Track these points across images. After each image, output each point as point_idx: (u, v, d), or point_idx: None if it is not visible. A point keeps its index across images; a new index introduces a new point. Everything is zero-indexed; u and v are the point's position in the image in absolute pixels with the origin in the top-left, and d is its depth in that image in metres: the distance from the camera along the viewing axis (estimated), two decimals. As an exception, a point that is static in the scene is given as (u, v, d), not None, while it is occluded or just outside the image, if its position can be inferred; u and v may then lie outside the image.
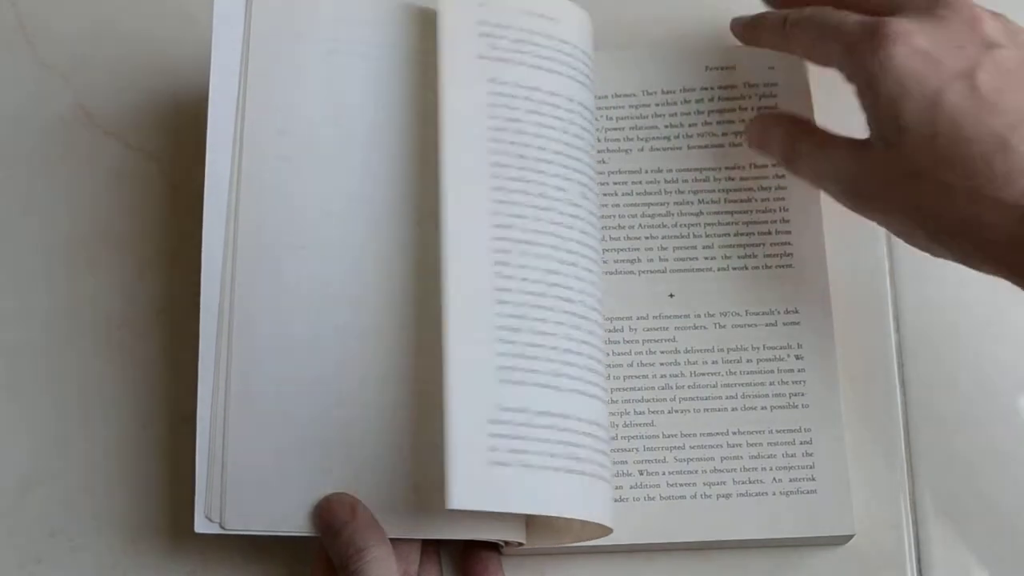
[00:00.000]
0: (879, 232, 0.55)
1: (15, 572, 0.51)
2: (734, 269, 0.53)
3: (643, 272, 0.53)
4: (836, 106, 0.51)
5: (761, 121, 0.52)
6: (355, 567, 0.45)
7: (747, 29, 0.53)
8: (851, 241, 0.55)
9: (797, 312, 0.52)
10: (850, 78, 0.46)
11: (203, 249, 0.49)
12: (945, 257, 0.45)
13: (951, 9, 0.45)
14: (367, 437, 0.48)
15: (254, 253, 0.49)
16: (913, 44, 0.44)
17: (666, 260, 0.53)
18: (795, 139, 0.50)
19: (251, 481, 0.47)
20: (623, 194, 0.54)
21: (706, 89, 0.55)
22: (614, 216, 0.54)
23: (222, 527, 0.47)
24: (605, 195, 0.53)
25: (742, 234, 0.53)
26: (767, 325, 0.52)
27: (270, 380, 0.48)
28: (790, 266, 0.53)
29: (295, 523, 0.47)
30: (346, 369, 0.49)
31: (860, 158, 0.46)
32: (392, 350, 0.49)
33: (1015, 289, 0.54)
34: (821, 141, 0.49)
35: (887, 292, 0.55)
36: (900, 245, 0.55)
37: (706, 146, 0.55)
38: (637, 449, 0.51)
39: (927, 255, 0.54)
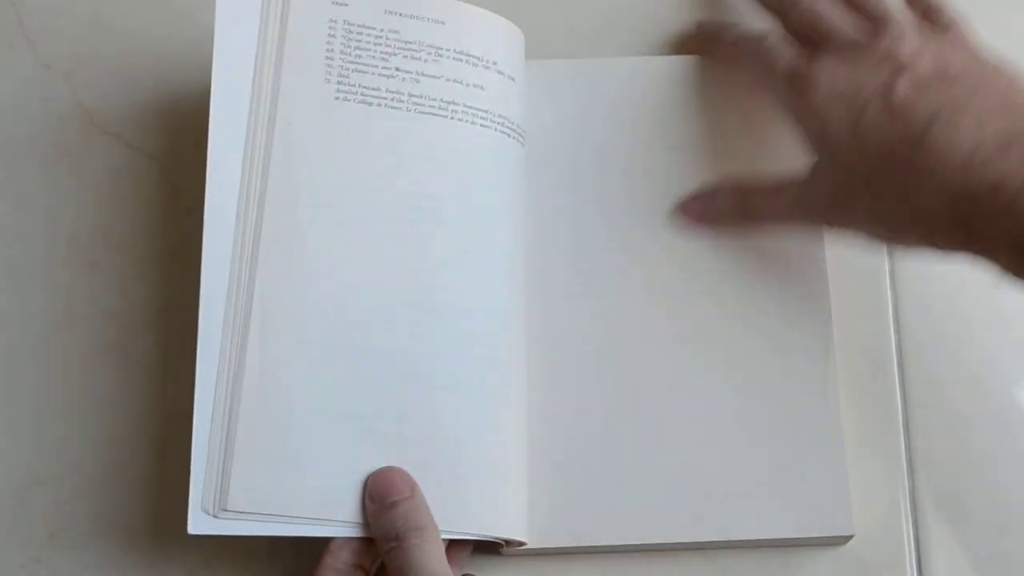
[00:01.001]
0: (879, 232, 0.55)
1: (15, 572, 0.51)
2: (733, 268, 0.53)
3: (641, 275, 0.53)
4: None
5: (699, 198, 0.54)
6: (411, 543, 0.45)
7: (701, 42, 0.57)
8: (851, 241, 0.55)
9: (797, 312, 0.52)
10: (784, 110, 0.51)
11: (206, 204, 0.49)
12: (913, 247, 0.48)
13: (877, 35, 0.49)
14: (384, 420, 0.48)
15: (280, 218, 0.49)
16: (832, 85, 0.49)
17: (665, 262, 0.53)
18: (745, 196, 0.53)
19: (263, 460, 0.47)
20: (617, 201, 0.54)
21: None
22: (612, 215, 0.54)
23: (224, 509, 0.46)
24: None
25: (740, 235, 0.54)
26: (766, 325, 0.52)
27: (292, 349, 0.48)
28: (790, 266, 0.53)
29: (311, 509, 0.47)
30: (374, 348, 0.49)
31: (809, 184, 0.50)
32: (415, 334, 0.49)
33: (1015, 290, 0.54)
34: (772, 186, 0.52)
35: (887, 292, 0.55)
36: (900, 245, 0.55)
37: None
38: (638, 450, 0.51)
39: (927, 256, 0.55)
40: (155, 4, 0.59)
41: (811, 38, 0.51)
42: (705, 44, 0.57)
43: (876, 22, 0.50)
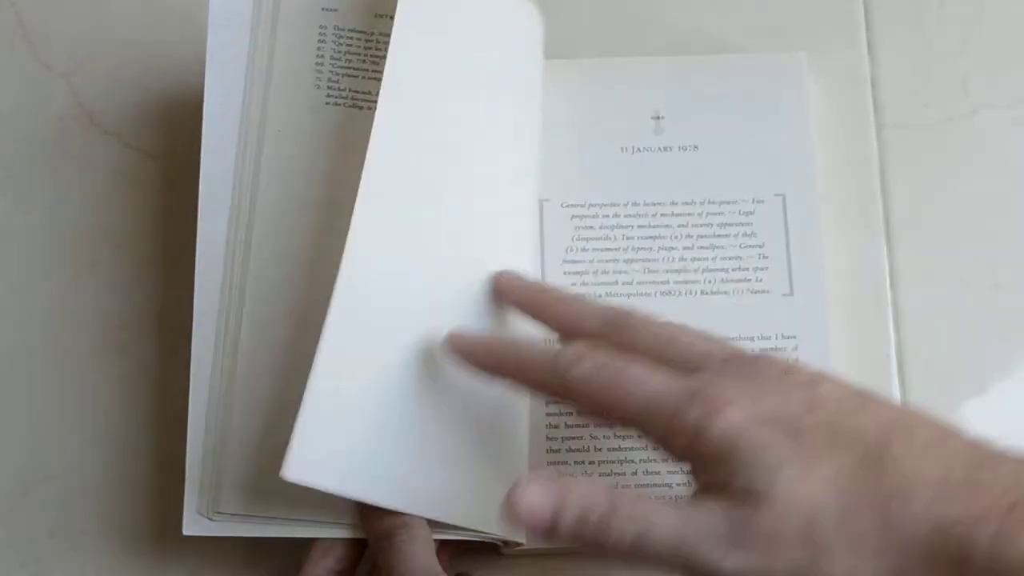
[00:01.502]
0: (879, 232, 0.55)
1: (15, 572, 0.51)
2: (734, 267, 0.53)
3: (652, 279, 0.53)
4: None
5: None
6: (400, 539, 0.45)
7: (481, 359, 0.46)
8: (851, 241, 0.55)
9: (797, 313, 0.52)
10: (675, 451, 0.40)
11: (199, 229, 0.50)
12: None
13: (759, 364, 0.40)
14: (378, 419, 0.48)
15: (271, 223, 0.50)
16: (746, 408, 0.38)
17: (666, 261, 0.54)
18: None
19: (254, 465, 0.47)
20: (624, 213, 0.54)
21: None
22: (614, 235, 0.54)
23: (217, 511, 0.47)
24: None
25: (740, 234, 0.54)
26: (765, 324, 0.52)
27: (282, 357, 0.48)
28: (789, 265, 0.53)
29: (301, 511, 0.47)
30: (357, 351, 0.49)
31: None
32: (403, 339, 0.49)
33: (1015, 290, 0.54)
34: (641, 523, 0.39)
35: (887, 292, 0.55)
36: (900, 245, 0.55)
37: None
38: (638, 451, 0.51)
39: (926, 255, 0.55)
40: (155, 4, 0.59)
41: (673, 363, 0.41)
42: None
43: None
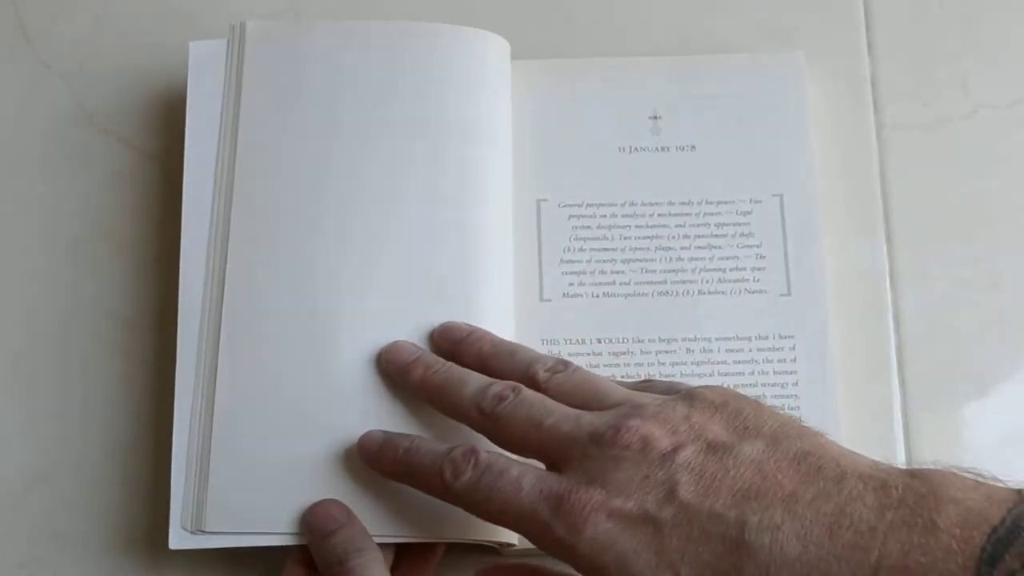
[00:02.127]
0: (879, 232, 0.55)
1: (15, 572, 0.51)
2: (731, 267, 0.53)
3: (649, 280, 0.54)
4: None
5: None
6: (352, 564, 0.45)
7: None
8: (851, 241, 0.54)
9: (795, 313, 0.52)
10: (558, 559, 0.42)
11: (182, 247, 0.52)
12: None
13: (618, 445, 0.41)
14: (354, 438, 0.48)
15: (246, 251, 0.51)
16: (607, 514, 0.40)
17: (664, 261, 0.54)
18: None
19: (234, 483, 0.48)
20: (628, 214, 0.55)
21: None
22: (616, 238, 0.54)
23: (200, 530, 0.48)
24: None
25: (738, 234, 0.54)
26: (763, 324, 0.52)
27: (259, 380, 0.49)
28: (787, 265, 0.53)
29: (280, 525, 0.47)
30: (337, 369, 0.49)
31: None
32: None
33: (1015, 290, 0.54)
34: None
35: (887, 292, 0.54)
36: (900, 245, 0.55)
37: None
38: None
39: (926, 255, 0.54)
40: (155, 5, 0.59)
41: (538, 453, 0.43)
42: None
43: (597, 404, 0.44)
